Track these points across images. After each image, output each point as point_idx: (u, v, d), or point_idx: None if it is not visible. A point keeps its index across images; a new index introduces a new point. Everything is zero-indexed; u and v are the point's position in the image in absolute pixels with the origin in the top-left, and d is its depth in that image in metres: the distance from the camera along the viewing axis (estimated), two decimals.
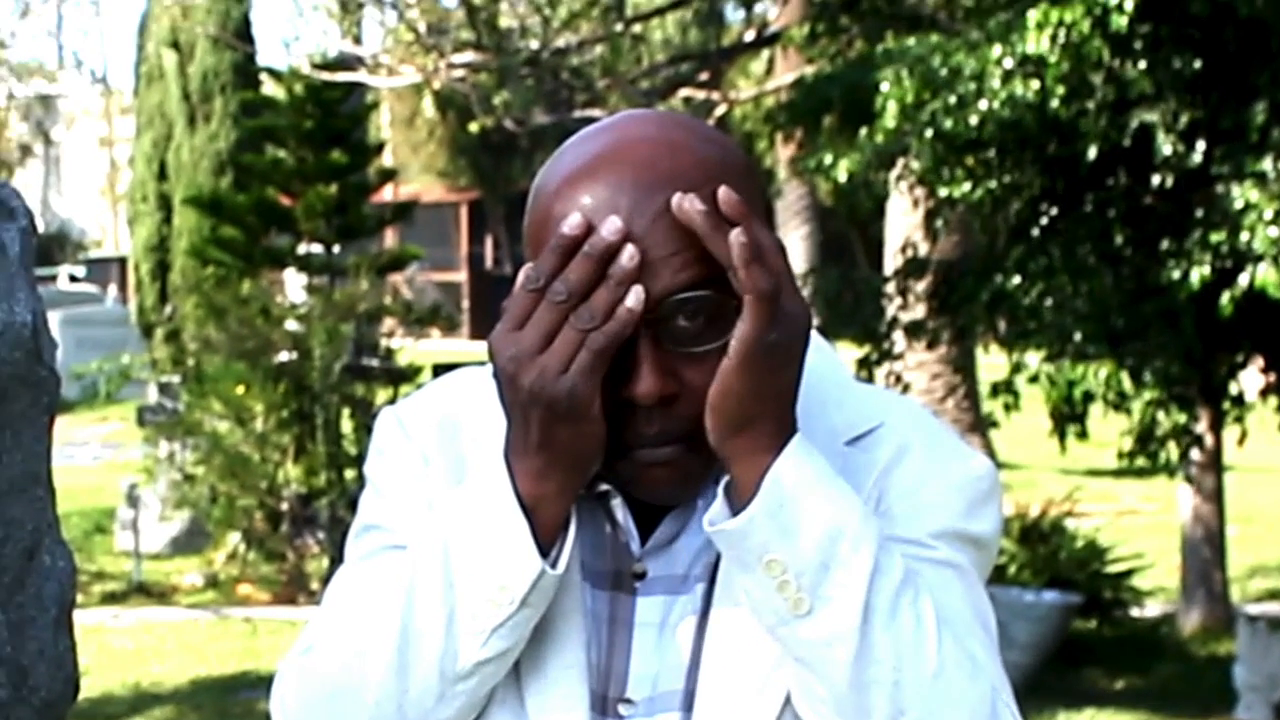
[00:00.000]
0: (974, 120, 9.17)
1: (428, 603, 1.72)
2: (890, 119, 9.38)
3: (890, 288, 11.68)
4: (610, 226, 1.66)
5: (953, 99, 9.17)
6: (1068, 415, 10.84)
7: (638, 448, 1.72)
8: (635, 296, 1.64)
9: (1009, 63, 9.01)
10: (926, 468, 1.81)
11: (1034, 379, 10.70)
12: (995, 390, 10.98)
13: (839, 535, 1.66)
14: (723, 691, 1.76)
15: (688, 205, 1.65)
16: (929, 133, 9.33)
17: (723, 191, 1.66)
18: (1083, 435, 11.13)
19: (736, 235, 1.63)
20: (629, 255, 1.65)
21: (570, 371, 1.65)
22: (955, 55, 9.22)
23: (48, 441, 3.22)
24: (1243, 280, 9.04)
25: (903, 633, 1.67)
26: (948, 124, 9.24)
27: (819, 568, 1.66)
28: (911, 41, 9.64)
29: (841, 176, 10.22)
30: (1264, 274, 8.90)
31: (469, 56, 17.35)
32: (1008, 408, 10.83)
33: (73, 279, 39.44)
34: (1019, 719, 1.74)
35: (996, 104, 9.07)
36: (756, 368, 1.66)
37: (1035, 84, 8.99)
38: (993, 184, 10.21)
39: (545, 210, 1.72)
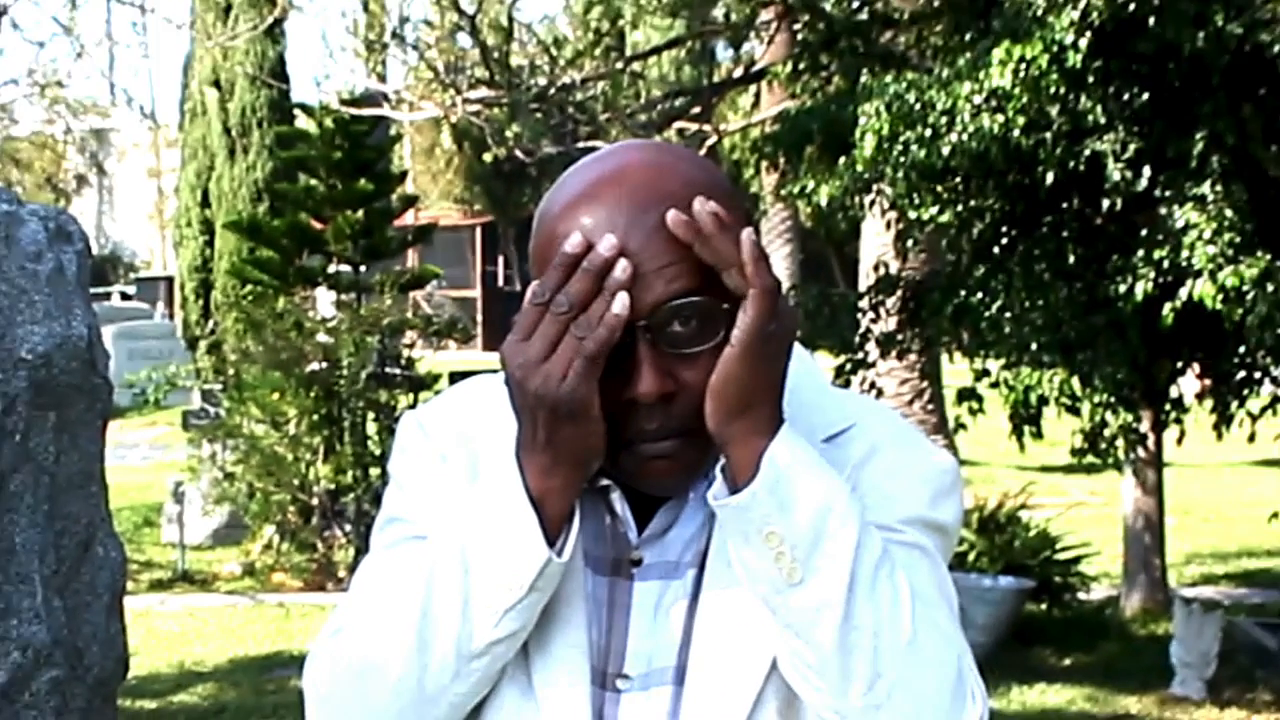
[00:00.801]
0: (945, 151, 9.17)
1: (446, 588, 1.74)
2: (868, 149, 9.38)
3: (864, 303, 11.67)
4: (606, 243, 1.69)
5: (926, 132, 9.17)
6: (1025, 417, 10.84)
7: (641, 442, 1.75)
8: (620, 303, 1.67)
9: (978, 99, 9.02)
10: (896, 462, 1.83)
11: (995, 385, 10.69)
12: (961, 396, 10.97)
13: (829, 511, 1.68)
14: (711, 667, 1.78)
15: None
16: (903, 162, 9.33)
17: (710, 204, 1.69)
18: (1038, 435, 11.13)
19: (748, 234, 1.68)
20: (621, 268, 1.68)
21: (570, 376, 1.67)
22: (928, 92, 9.22)
23: (101, 444, 3.23)
24: (1183, 293, 9.05)
25: (882, 601, 1.68)
26: (921, 154, 9.25)
27: (812, 540, 1.68)
28: (889, 79, 9.63)
29: (822, 201, 10.22)
30: (1202, 287, 8.91)
31: (483, 93, 17.34)
32: (973, 412, 10.83)
33: (124, 296, 39.40)
34: (981, 685, 1.75)
35: (965, 136, 9.08)
36: (756, 356, 1.69)
37: (1000, 117, 9.00)
38: (959, 208, 10.22)
39: (549, 231, 1.75)
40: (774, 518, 1.68)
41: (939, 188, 10.04)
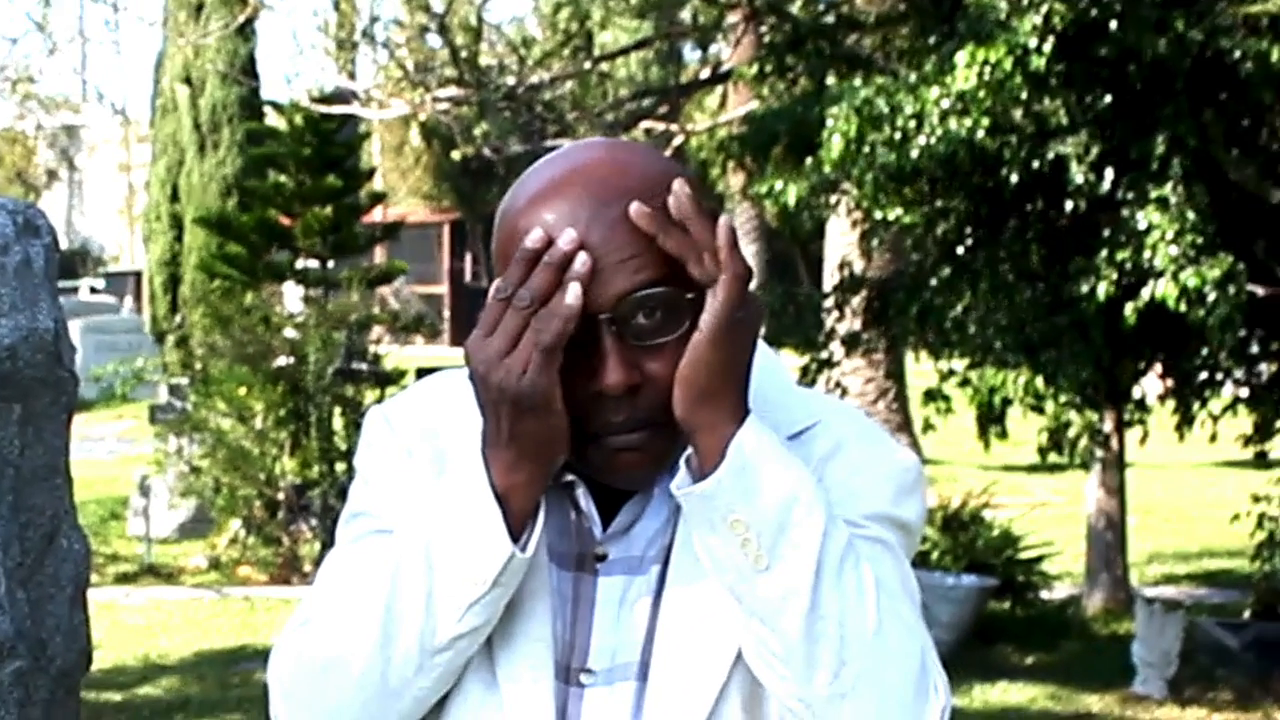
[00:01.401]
0: (914, 154, 9.19)
1: (410, 582, 1.73)
2: (835, 151, 9.39)
3: (829, 302, 11.70)
4: (566, 237, 1.69)
5: (895, 135, 9.19)
6: (990, 418, 10.87)
7: (608, 435, 1.75)
8: (573, 293, 1.67)
9: (945, 103, 9.04)
10: (859, 460, 1.83)
11: (964, 383, 10.72)
12: (929, 397, 10.99)
13: (795, 499, 1.69)
14: (674, 662, 1.78)
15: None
16: (870, 164, 9.35)
17: (686, 189, 1.70)
18: (1003, 435, 11.16)
19: (725, 220, 1.70)
20: (581, 261, 1.68)
21: (529, 369, 1.67)
22: (896, 95, 9.24)
23: (66, 436, 3.22)
24: (1145, 294, 9.08)
25: (847, 591, 1.69)
26: (889, 157, 9.27)
27: (777, 528, 1.68)
28: (858, 83, 9.65)
29: (790, 201, 10.23)
30: (1164, 288, 8.94)
31: (452, 91, 17.33)
32: (940, 412, 10.86)
33: (93, 290, 39.29)
34: (944, 679, 1.75)
35: (934, 140, 9.10)
36: (725, 342, 1.69)
37: (966, 120, 9.02)
38: (924, 209, 10.25)
39: (511, 228, 1.75)
40: (740, 504, 1.68)
41: (906, 189, 10.07)
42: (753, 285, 1.71)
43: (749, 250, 24.20)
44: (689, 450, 1.73)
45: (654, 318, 1.71)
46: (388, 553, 1.77)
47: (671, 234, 1.68)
